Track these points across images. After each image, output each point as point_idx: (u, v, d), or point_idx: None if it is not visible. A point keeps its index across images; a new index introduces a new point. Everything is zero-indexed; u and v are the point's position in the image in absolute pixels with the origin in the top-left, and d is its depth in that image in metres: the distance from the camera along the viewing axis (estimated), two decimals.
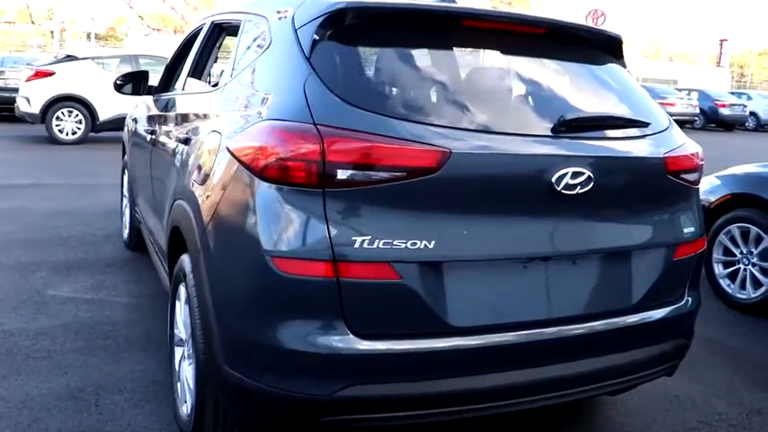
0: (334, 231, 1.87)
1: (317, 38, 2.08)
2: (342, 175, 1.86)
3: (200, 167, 2.40)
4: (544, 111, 2.25)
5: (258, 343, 1.94)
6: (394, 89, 2.14)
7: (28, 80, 11.18)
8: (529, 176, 2.03)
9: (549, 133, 2.10)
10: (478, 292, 2.02)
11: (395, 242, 1.89)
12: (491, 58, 2.48)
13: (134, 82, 3.95)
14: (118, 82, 3.94)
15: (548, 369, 2.11)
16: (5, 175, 7.89)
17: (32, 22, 35.19)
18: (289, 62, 2.12)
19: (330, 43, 2.07)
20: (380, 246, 1.88)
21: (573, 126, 2.13)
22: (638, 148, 2.28)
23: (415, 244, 1.90)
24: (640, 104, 2.44)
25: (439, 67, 2.29)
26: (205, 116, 2.63)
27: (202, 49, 3.39)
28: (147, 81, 4.00)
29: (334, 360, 1.91)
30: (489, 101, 2.27)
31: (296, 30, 2.17)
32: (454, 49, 2.36)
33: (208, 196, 2.22)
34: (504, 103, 2.32)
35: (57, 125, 11.06)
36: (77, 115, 11.11)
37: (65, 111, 11.05)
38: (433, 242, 1.91)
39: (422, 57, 2.27)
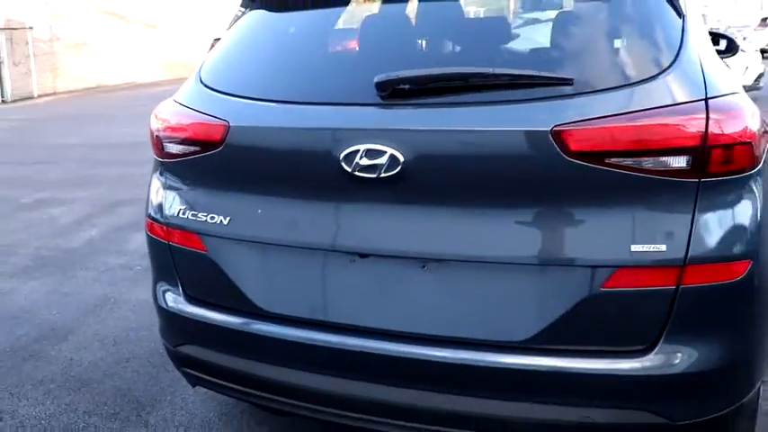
0: (165, 200, 2.00)
1: None
2: (167, 148, 1.96)
3: None
4: (372, 69, 1.74)
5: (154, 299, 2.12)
6: (220, 61, 2.07)
7: None
8: (313, 154, 1.74)
9: (354, 100, 1.77)
10: (290, 280, 1.83)
11: (199, 215, 1.90)
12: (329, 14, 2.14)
13: None
14: None
15: (386, 390, 1.72)
16: None
17: None
18: None
19: None
20: (189, 216, 1.92)
21: (401, 89, 1.66)
22: (504, 117, 1.62)
23: (214, 219, 1.88)
24: (569, 49, 1.86)
25: (258, 34, 2.12)
26: None
27: None
28: None
29: (174, 318, 2.03)
30: (306, 63, 2.02)
31: None
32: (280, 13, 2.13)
33: None
34: (327, 64, 2.05)
35: None
36: None
37: None
38: (228, 219, 1.86)
39: (246, 26, 2.12)
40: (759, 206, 1.59)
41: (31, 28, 18.62)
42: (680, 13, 1.72)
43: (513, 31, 1.98)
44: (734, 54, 3.84)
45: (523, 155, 1.58)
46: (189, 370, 2.07)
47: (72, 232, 5.05)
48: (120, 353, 3.07)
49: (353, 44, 2.04)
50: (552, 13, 1.99)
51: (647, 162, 1.52)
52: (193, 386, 2.16)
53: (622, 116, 1.53)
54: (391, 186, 1.65)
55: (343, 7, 2.12)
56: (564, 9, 2.01)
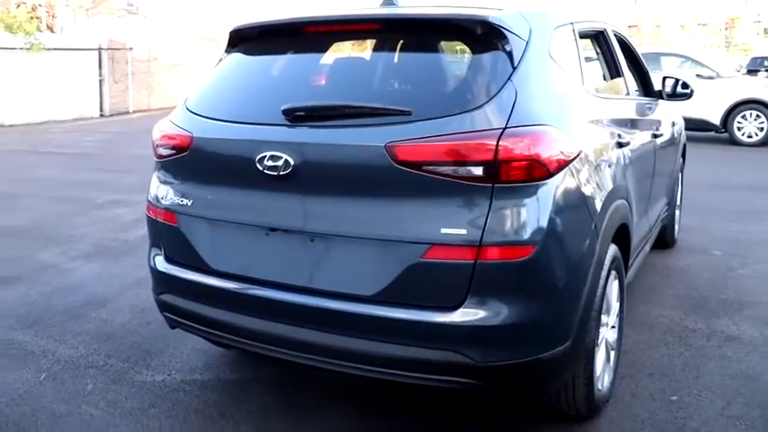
0: (157, 189, 2.78)
1: None
2: (159, 152, 2.76)
3: None
4: (286, 101, 2.42)
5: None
6: (199, 90, 2.83)
7: None
8: (240, 157, 2.42)
9: (270, 121, 2.42)
10: (229, 247, 2.54)
11: (174, 198, 2.67)
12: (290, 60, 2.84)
13: None
14: None
15: (297, 330, 2.36)
16: None
17: None
18: None
19: None
20: (169, 200, 2.69)
21: (296, 115, 2.36)
22: (357, 136, 2.28)
23: (183, 201, 2.64)
24: (418, 90, 2.50)
25: (225, 72, 2.85)
26: None
27: None
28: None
29: (158, 274, 2.80)
30: (246, 94, 2.75)
31: None
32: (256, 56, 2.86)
33: None
34: (260, 95, 2.72)
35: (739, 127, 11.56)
36: (759, 117, 11.47)
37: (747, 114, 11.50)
38: (191, 201, 2.61)
39: (220, 66, 2.89)
40: (548, 207, 2.20)
41: (131, 48, 20.39)
42: (513, 66, 2.33)
43: (385, 73, 2.69)
44: (687, 97, 4.32)
45: (369, 162, 2.24)
46: (167, 314, 2.83)
47: (130, 228, 5.99)
48: (144, 318, 3.88)
49: (277, 82, 2.79)
50: (407, 62, 2.69)
51: (454, 170, 2.14)
52: (172, 328, 2.91)
53: (437, 137, 2.16)
54: (288, 182, 2.33)
55: (276, 56, 2.86)
56: (415, 58, 2.70)
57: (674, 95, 4.28)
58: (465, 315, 2.17)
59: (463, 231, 2.13)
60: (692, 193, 7.29)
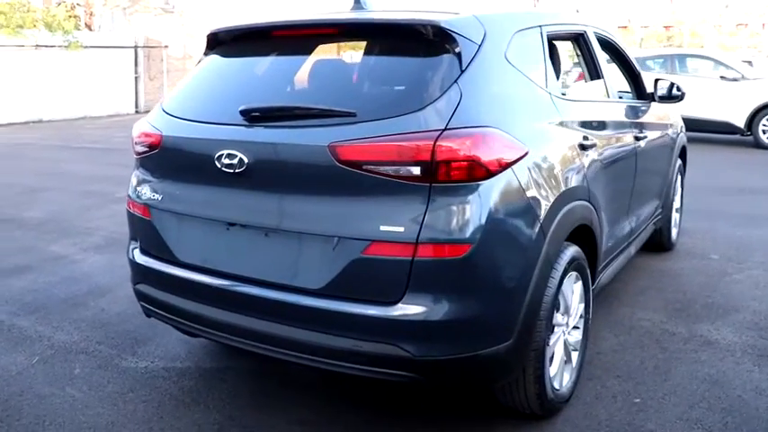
0: (135, 184, 2.92)
1: None
2: (136, 149, 2.89)
3: None
4: (246, 102, 2.53)
5: None
6: (175, 91, 2.98)
7: None
8: (201, 155, 2.53)
9: (228, 121, 2.53)
10: (194, 240, 2.67)
11: (148, 193, 2.81)
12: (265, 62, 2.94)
13: None
14: None
15: (251, 321, 2.47)
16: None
17: None
18: None
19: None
20: (143, 194, 2.83)
21: (252, 115, 2.47)
22: (304, 136, 2.38)
23: (155, 196, 2.78)
24: (367, 92, 2.61)
25: (199, 74, 2.96)
26: None
27: None
28: None
29: (134, 265, 2.95)
30: (218, 95, 2.86)
31: None
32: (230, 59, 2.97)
33: None
34: (224, 96, 2.83)
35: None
36: None
37: None
38: (161, 197, 2.75)
39: (196, 69, 3.01)
40: (487, 207, 2.26)
41: (167, 46, 20.86)
42: (461, 69, 2.39)
43: (339, 76, 2.80)
44: (679, 100, 4.34)
45: (314, 162, 2.33)
46: (143, 303, 2.98)
47: None
48: (139, 308, 4.01)
49: (241, 83, 2.90)
50: (362, 66, 2.78)
51: (393, 170, 2.21)
52: (148, 317, 3.06)
53: (378, 138, 2.23)
54: (243, 179, 2.45)
55: (244, 58, 2.99)
56: (369, 62, 2.80)
57: (666, 98, 4.29)
58: (403, 310, 2.24)
59: (401, 229, 2.20)
60: (705, 197, 7.24)
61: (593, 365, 3.27)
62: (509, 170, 2.34)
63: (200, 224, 2.66)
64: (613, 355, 3.43)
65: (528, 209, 2.41)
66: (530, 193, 2.42)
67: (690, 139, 5.70)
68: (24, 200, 7.33)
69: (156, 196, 2.79)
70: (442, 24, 2.43)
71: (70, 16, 17.73)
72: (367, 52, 2.75)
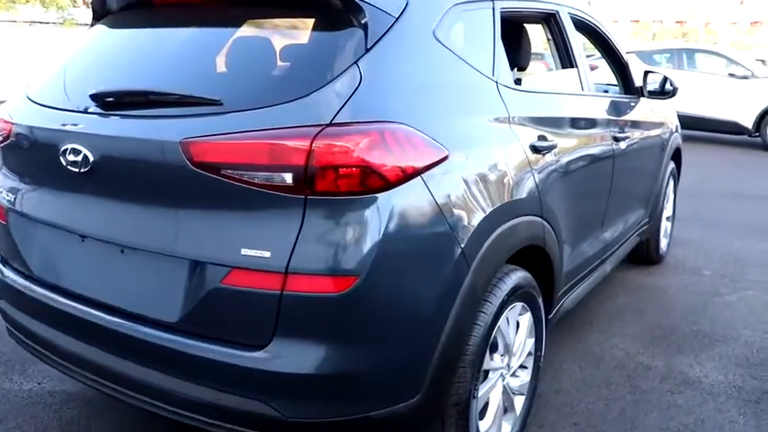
0: None
1: None
2: None
3: None
4: (101, 84, 2.07)
5: None
6: (39, 73, 2.43)
7: None
8: (48, 149, 2.03)
9: (78, 108, 2.05)
10: (48, 252, 2.18)
11: (3, 192, 2.30)
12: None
13: None
14: None
15: (100, 354, 2.01)
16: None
17: None
18: None
19: None
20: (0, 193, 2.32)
21: (105, 101, 1.99)
22: (155, 129, 1.87)
23: (8, 196, 2.27)
24: (241, 75, 2.06)
25: (79, 52, 2.43)
26: None
27: None
28: None
29: None
30: (77, 76, 2.28)
31: None
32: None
33: None
34: (82, 77, 2.28)
35: None
36: None
37: None
38: (14, 197, 2.24)
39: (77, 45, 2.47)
40: (382, 227, 1.71)
41: None
42: (366, 47, 1.84)
43: (214, 55, 2.14)
44: (671, 96, 3.83)
45: (165, 162, 1.81)
46: (6, 322, 2.46)
47: None
48: None
49: (104, 62, 2.34)
50: (243, 43, 2.17)
51: (259, 176, 1.69)
52: (10, 336, 2.56)
53: (242, 133, 1.70)
54: (91, 181, 1.96)
55: (118, 31, 2.44)
56: (253, 40, 2.20)
57: (657, 93, 3.76)
58: (270, 357, 1.73)
59: (267, 254, 1.70)
60: (704, 203, 6.71)
61: (547, 407, 2.76)
62: (418, 179, 1.79)
63: (54, 234, 2.14)
64: (575, 394, 2.92)
65: (442, 229, 1.86)
66: (446, 209, 1.87)
67: (693, 139, 5.20)
68: None
69: (10, 197, 2.29)
70: None
71: None
72: (253, 26, 2.17)
